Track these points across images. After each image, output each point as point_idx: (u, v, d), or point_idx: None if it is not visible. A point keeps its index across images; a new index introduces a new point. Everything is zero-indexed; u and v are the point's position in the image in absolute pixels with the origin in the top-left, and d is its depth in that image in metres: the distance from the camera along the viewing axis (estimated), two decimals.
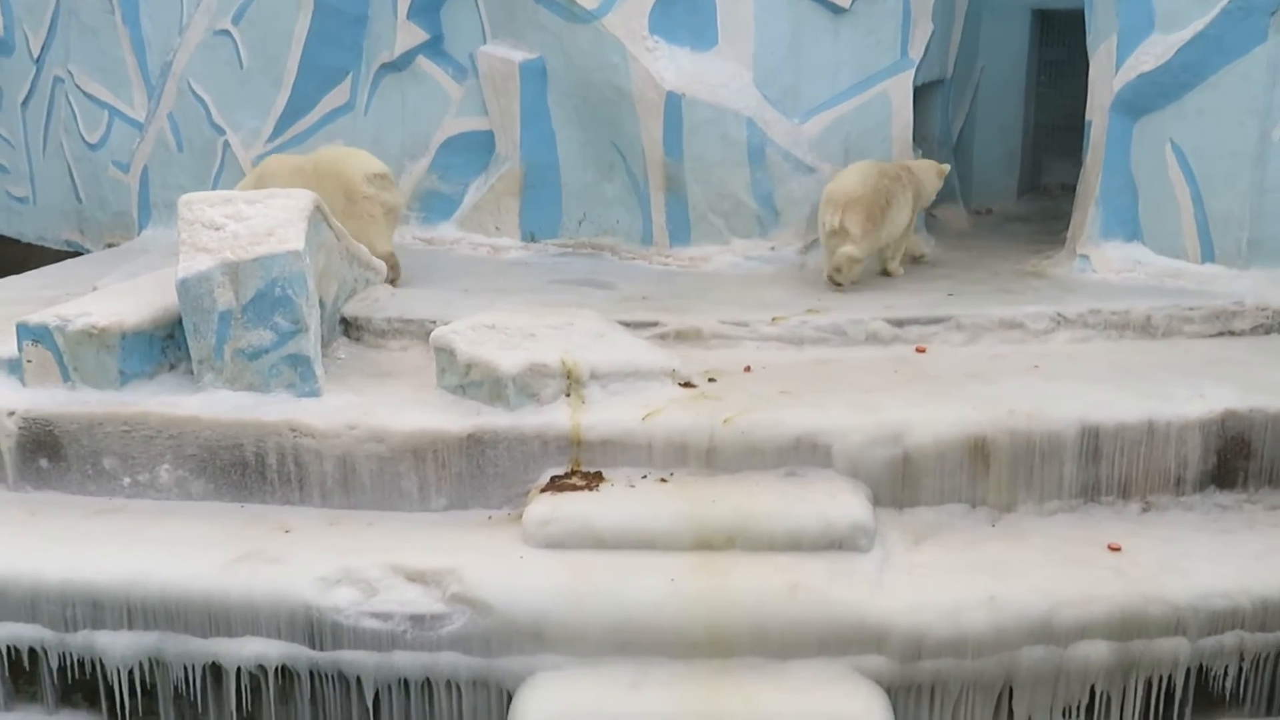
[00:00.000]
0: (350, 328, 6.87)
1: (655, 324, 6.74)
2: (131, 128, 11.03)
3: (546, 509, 5.26)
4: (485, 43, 9.23)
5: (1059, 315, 6.74)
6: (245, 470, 5.73)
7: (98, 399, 5.93)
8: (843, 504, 5.23)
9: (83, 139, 11.50)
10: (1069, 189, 8.70)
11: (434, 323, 6.54)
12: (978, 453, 5.47)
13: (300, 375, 5.93)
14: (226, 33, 10.20)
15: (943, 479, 5.48)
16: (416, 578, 5.07)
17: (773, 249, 8.40)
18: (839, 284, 7.55)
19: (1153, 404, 5.59)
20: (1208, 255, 7.37)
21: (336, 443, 5.64)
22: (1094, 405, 5.57)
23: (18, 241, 13.03)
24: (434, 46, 9.55)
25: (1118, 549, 5.17)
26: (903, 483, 5.47)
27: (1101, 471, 5.51)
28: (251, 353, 5.91)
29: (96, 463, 5.83)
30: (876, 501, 5.40)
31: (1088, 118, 8.04)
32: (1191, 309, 6.75)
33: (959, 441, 5.46)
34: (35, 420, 5.86)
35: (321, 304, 6.35)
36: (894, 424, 5.49)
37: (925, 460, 5.45)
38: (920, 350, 6.57)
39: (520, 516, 5.37)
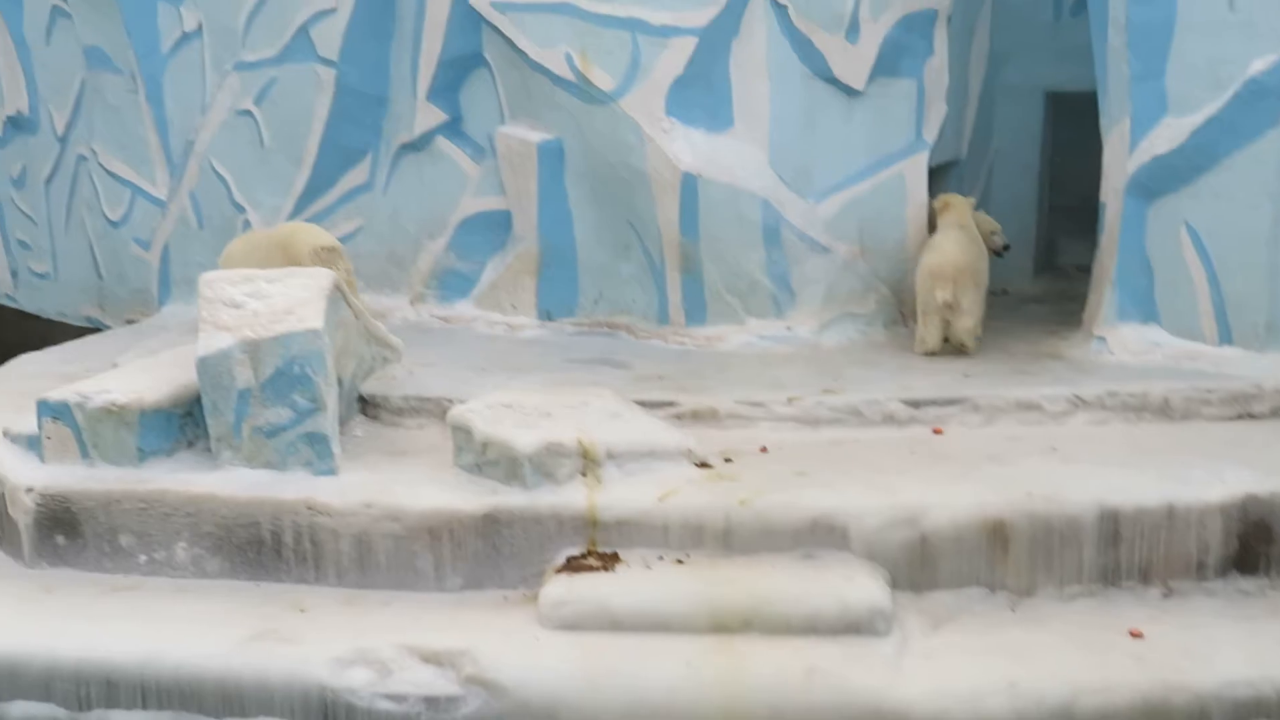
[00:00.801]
0: (368, 406, 6.89)
1: (671, 404, 6.74)
2: (153, 205, 11.16)
3: (562, 590, 5.24)
4: (503, 123, 9.34)
5: (1076, 397, 6.72)
6: (261, 548, 5.72)
7: (116, 476, 5.94)
8: (860, 587, 5.20)
9: (105, 216, 11.64)
10: (1084, 270, 8.72)
11: (451, 401, 6.56)
12: (996, 536, 5.43)
13: (317, 453, 5.95)
14: (248, 112, 10.36)
15: (961, 562, 5.44)
16: (431, 659, 5.04)
17: (788, 329, 8.42)
18: (933, 354, 7.85)
19: (1172, 487, 5.55)
20: (1225, 337, 7.36)
21: (352, 521, 5.64)
22: (1113, 488, 5.54)
23: (39, 317, 13.14)
24: (453, 127, 9.67)
25: (1139, 635, 5.11)
26: (920, 566, 5.43)
27: (1121, 556, 5.46)
28: (269, 430, 5.93)
29: (113, 540, 5.83)
30: (894, 585, 5.35)
31: (1102, 199, 8.08)
32: (1210, 391, 6.72)
33: (977, 524, 5.42)
34: (53, 497, 5.87)
35: (340, 382, 6.38)
36: (911, 506, 5.46)
37: (943, 543, 5.41)
38: (937, 431, 6.55)
39: (536, 597, 5.34)
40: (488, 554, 5.59)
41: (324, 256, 8.09)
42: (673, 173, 8.47)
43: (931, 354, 7.87)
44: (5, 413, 6.67)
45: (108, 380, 6.32)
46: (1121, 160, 7.69)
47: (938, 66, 8.87)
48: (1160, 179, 7.48)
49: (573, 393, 6.49)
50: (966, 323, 7.80)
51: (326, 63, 9.87)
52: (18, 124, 13.20)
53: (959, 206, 8.43)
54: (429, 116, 9.63)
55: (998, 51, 10.30)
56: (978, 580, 5.47)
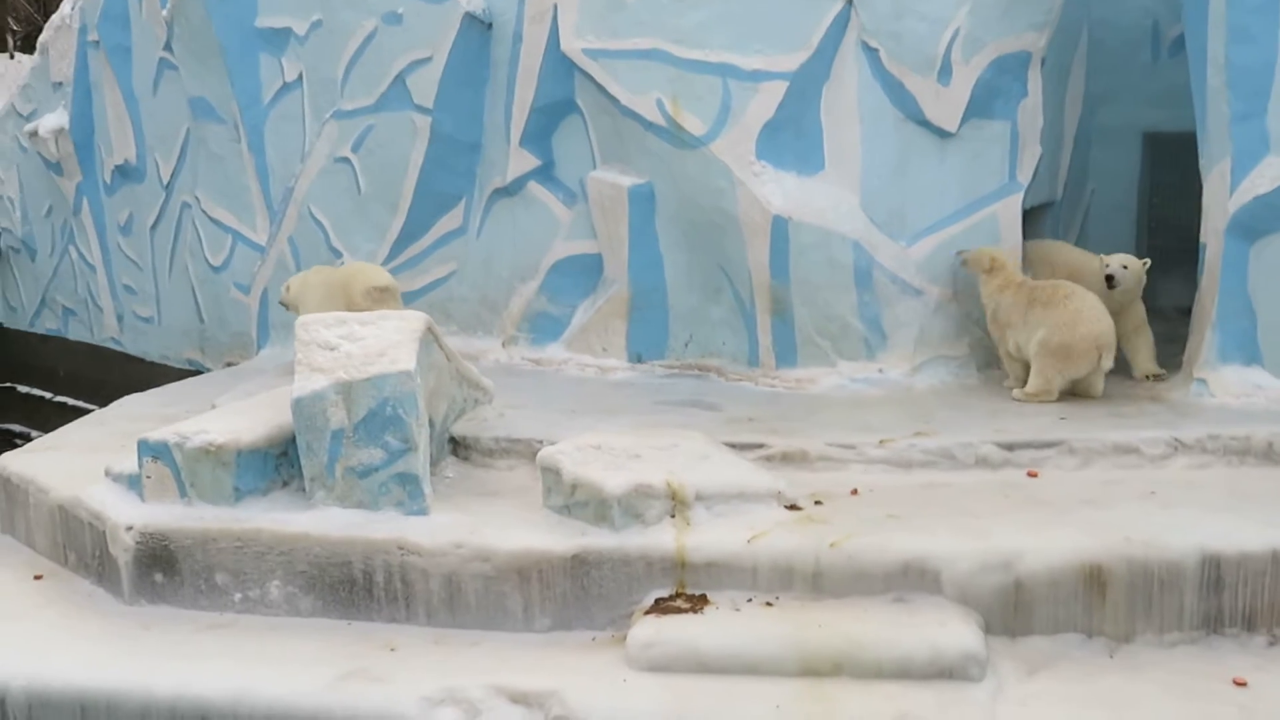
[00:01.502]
0: (459, 447, 6.95)
1: (761, 446, 6.71)
2: (253, 251, 11.42)
3: (651, 631, 5.21)
4: (595, 168, 9.44)
5: (1176, 440, 6.57)
6: (353, 588, 5.78)
7: (213, 515, 6.05)
8: (953, 632, 5.11)
9: (207, 262, 11.95)
10: (1184, 311, 8.55)
11: (540, 443, 6.58)
12: (1093, 581, 5.31)
13: (409, 494, 6.00)
14: (346, 160, 10.58)
15: (1057, 607, 5.32)
16: (519, 699, 5.04)
17: (880, 371, 8.36)
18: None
19: (1277, 533, 5.38)
20: None
21: (443, 561, 5.67)
22: (1215, 534, 5.39)
23: (142, 360, 13.51)
24: (545, 172, 9.79)
25: (1243, 684, 4.95)
26: (1015, 611, 5.32)
27: (1224, 602, 5.30)
28: (362, 471, 6.00)
29: (209, 578, 5.94)
30: (988, 630, 5.25)
31: (1202, 240, 7.93)
32: None
33: (1073, 569, 5.30)
34: (152, 535, 6.00)
35: (431, 423, 6.45)
36: (1005, 550, 5.36)
37: (1038, 587, 5.30)
38: (1032, 474, 6.43)
39: (624, 638, 5.32)
40: (576, 595, 5.59)
41: (376, 296, 8.48)
42: (763, 216, 8.47)
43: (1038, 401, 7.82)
44: (109, 453, 6.83)
45: (206, 421, 6.45)
46: (1222, 200, 7.55)
47: (1032, 108, 8.80)
48: (1262, 219, 7.33)
49: (662, 435, 6.48)
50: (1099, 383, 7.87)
51: (422, 110, 10.06)
52: (125, 173, 13.65)
53: (1004, 264, 8.26)
54: (522, 162, 9.76)
55: (1094, 93, 10.20)
56: (1074, 626, 5.34)
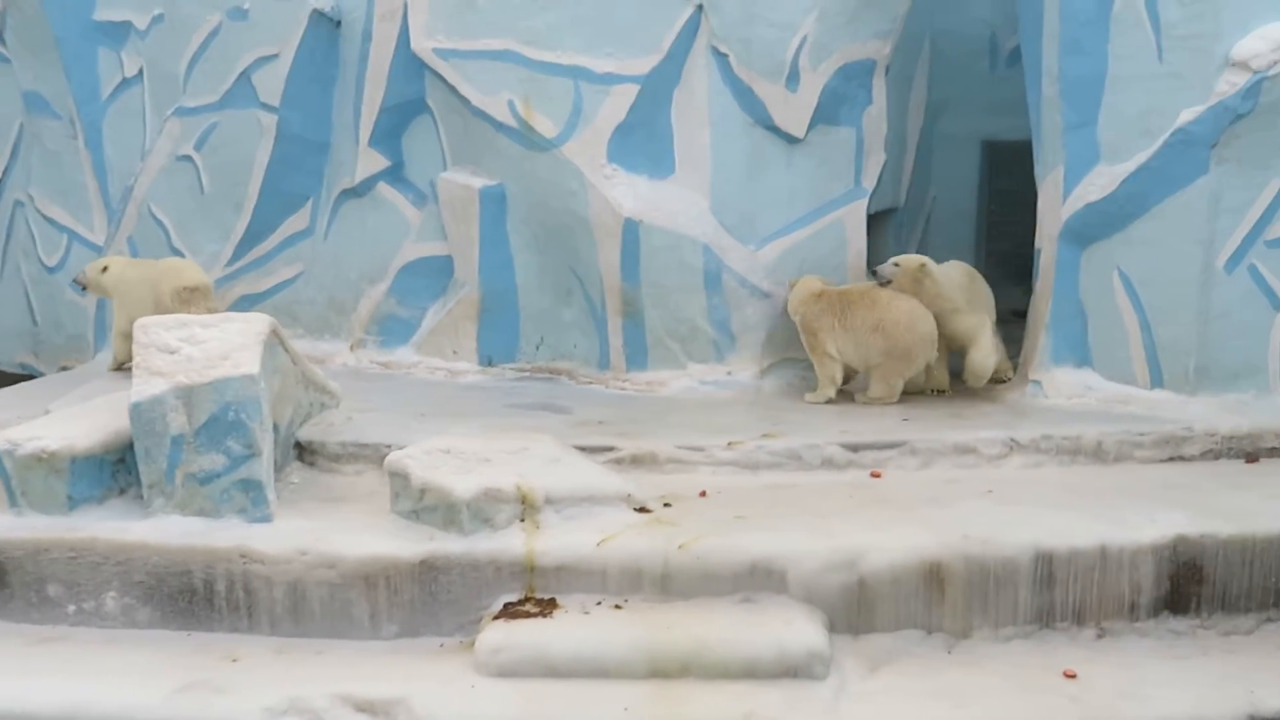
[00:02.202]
0: (305, 452, 6.83)
1: (611, 449, 6.74)
2: (91, 251, 11.05)
3: (499, 637, 5.19)
4: (445, 169, 9.36)
5: (1012, 440, 6.79)
6: (193, 597, 5.63)
7: (45, 524, 5.83)
8: (798, 631, 5.19)
9: (41, 262, 11.51)
10: (1020, 315, 8.84)
11: (389, 447, 6.51)
12: (933, 578, 5.45)
13: (252, 500, 5.87)
14: (189, 158, 10.31)
15: (898, 605, 5.45)
16: (365, 708, 4.96)
17: (729, 373, 8.47)
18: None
19: (1106, 529, 5.61)
20: (1157, 381, 7.48)
21: (287, 569, 5.56)
22: (1048, 531, 5.58)
23: None
24: (394, 173, 9.68)
25: (1074, 676, 5.14)
26: (858, 609, 5.43)
27: (1056, 597, 5.49)
28: (203, 477, 5.85)
29: (41, 590, 5.71)
30: (832, 628, 5.35)
31: (1037, 246, 8.21)
32: (1142, 434, 6.83)
33: (914, 567, 5.44)
34: None
35: (276, 428, 6.32)
36: (849, 549, 5.47)
37: (881, 586, 5.42)
38: (875, 475, 6.59)
39: (473, 644, 5.28)
40: (424, 601, 5.53)
41: (185, 296, 8.48)
42: (614, 219, 8.51)
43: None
44: None
45: (39, 427, 6.21)
46: (1055, 207, 7.82)
47: (876, 115, 9.00)
48: (1093, 226, 7.61)
49: (512, 438, 6.46)
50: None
51: (268, 108, 9.86)
52: None
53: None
54: (371, 162, 9.63)
55: (935, 101, 10.47)
56: (915, 623, 5.48)
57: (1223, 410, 7.14)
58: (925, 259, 8.22)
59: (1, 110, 12.07)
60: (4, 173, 12.17)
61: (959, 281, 8.26)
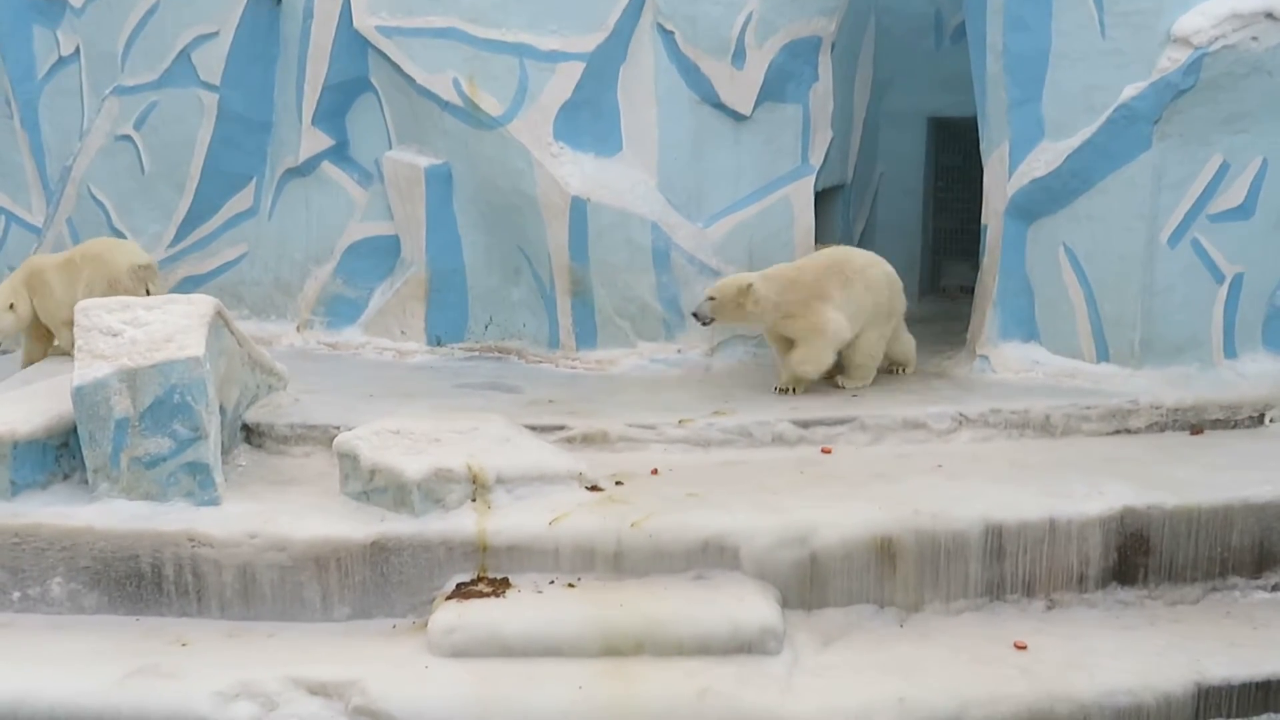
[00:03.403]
0: (252, 434, 6.75)
1: (562, 428, 6.72)
2: (29, 233, 10.89)
3: (452, 617, 5.17)
4: (390, 148, 9.27)
5: (961, 415, 6.85)
6: (141, 582, 5.56)
7: None
8: (751, 607, 5.21)
9: None
10: (968, 291, 8.90)
11: (337, 428, 6.45)
12: (884, 553, 5.49)
13: (199, 483, 5.81)
14: (128, 138, 10.15)
15: (850, 580, 5.49)
16: (318, 690, 4.94)
17: (679, 351, 8.47)
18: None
19: (1054, 502, 5.68)
20: (1103, 355, 7.55)
21: (236, 552, 5.51)
22: (997, 504, 5.64)
23: None
24: (339, 152, 9.57)
25: (1024, 647, 5.20)
26: (810, 584, 5.47)
27: (1006, 570, 5.56)
28: (149, 461, 5.78)
29: None
30: (785, 603, 5.38)
31: (984, 222, 8.26)
32: (1088, 408, 6.90)
33: (865, 542, 5.48)
34: None
35: (222, 410, 6.25)
36: (801, 525, 5.50)
37: (832, 561, 5.46)
38: (826, 451, 6.62)
39: (425, 625, 5.27)
40: (376, 583, 5.50)
41: (143, 274, 8.29)
42: (562, 197, 8.47)
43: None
44: None
45: None
46: (1001, 184, 7.87)
47: (822, 92, 9.01)
48: (1038, 202, 7.67)
49: (462, 418, 6.43)
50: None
51: (208, 87, 9.72)
52: None
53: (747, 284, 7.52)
54: (315, 141, 9.51)
55: (881, 78, 10.50)
56: (867, 597, 5.53)
57: (1167, 383, 7.22)
58: (748, 281, 7.46)
59: None
60: None
61: (874, 281, 7.73)
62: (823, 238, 9.25)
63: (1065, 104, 7.52)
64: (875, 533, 5.49)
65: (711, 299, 7.44)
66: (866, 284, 7.63)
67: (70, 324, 8.22)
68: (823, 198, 9.31)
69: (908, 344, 8.03)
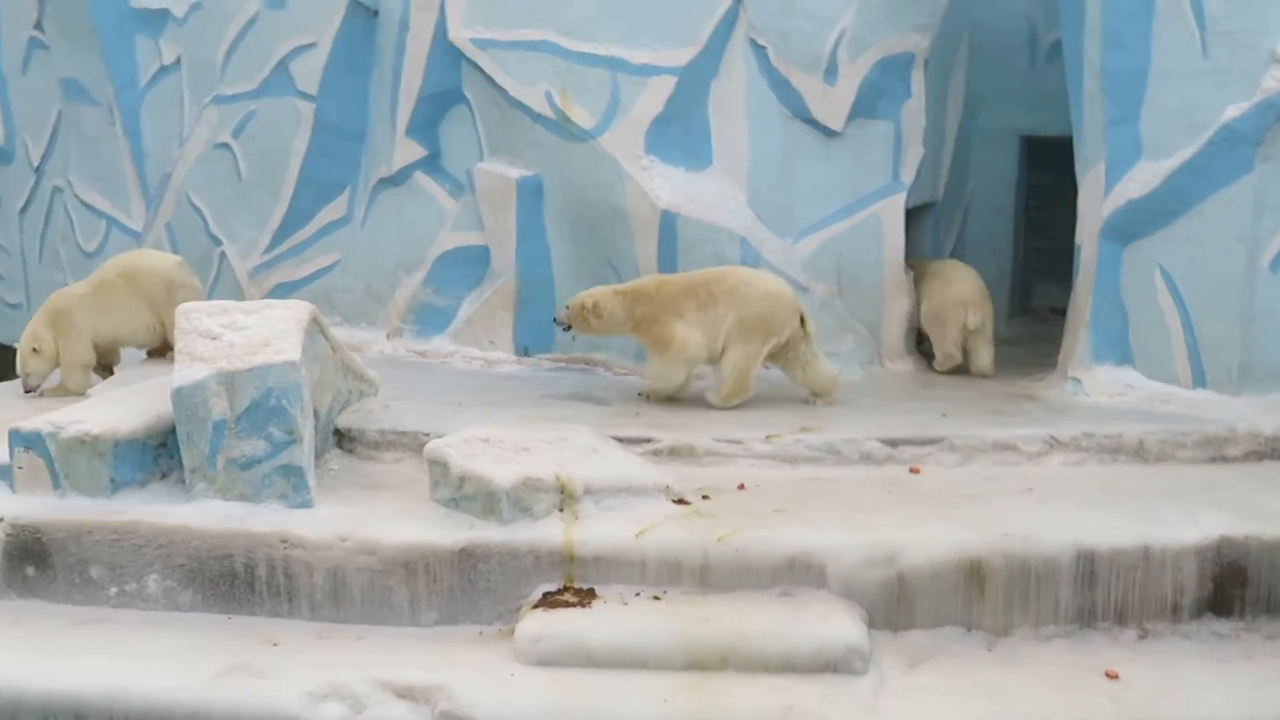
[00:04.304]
0: (343, 439, 6.84)
1: (649, 440, 6.72)
2: (129, 237, 11.12)
3: (538, 626, 5.20)
4: (482, 159, 9.38)
5: (1052, 438, 6.74)
6: (234, 581, 5.65)
7: (88, 507, 5.86)
8: (837, 625, 5.18)
9: (79, 248, 11.60)
10: (1058, 312, 8.80)
11: (427, 435, 6.52)
12: (973, 575, 5.43)
13: (293, 486, 5.89)
14: (226, 146, 10.36)
15: (938, 601, 5.43)
16: (405, 694, 4.98)
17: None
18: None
19: (1148, 529, 5.56)
20: (1199, 381, 7.42)
21: (327, 555, 5.58)
22: (1089, 529, 5.55)
23: (11, 348, 13.03)
24: (431, 162, 9.69)
25: (1115, 676, 5.11)
26: (898, 604, 5.41)
27: (1098, 597, 5.46)
28: (244, 463, 5.88)
29: (84, 572, 5.75)
30: (871, 623, 5.33)
31: (1077, 242, 8.16)
32: (1184, 434, 6.76)
33: (954, 564, 5.42)
34: (24, 528, 5.79)
35: (316, 415, 6.35)
36: (888, 545, 5.45)
37: (920, 582, 5.40)
38: (914, 471, 6.56)
39: (511, 633, 5.29)
40: (463, 589, 5.54)
41: (187, 270, 8.69)
42: (651, 210, 8.50)
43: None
44: None
45: (81, 410, 6.25)
46: (1096, 204, 7.77)
47: (915, 109, 8.97)
48: (1135, 223, 7.56)
49: (550, 428, 6.47)
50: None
51: (305, 97, 9.90)
52: None
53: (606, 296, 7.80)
54: (408, 152, 9.64)
55: (974, 95, 10.42)
56: (955, 620, 5.45)
57: (1267, 411, 7.05)
58: (594, 299, 7.70)
59: (40, 97, 12.17)
60: (43, 158, 12.27)
61: (746, 300, 7.58)
62: (912, 255, 9.20)
63: (1164, 124, 7.41)
64: (964, 554, 5.42)
65: (568, 308, 7.80)
66: (735, 303, 7.53)
67: (85, 366, 8.40)
68: (913, 215, 9.26)
69: (823, 374, 7.77)
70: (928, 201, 9.72)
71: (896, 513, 5.82)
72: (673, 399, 7.74)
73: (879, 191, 8.85)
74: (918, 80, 8.95)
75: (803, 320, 7.63)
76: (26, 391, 8.31)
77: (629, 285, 7.88)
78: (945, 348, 8.79)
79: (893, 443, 6.70)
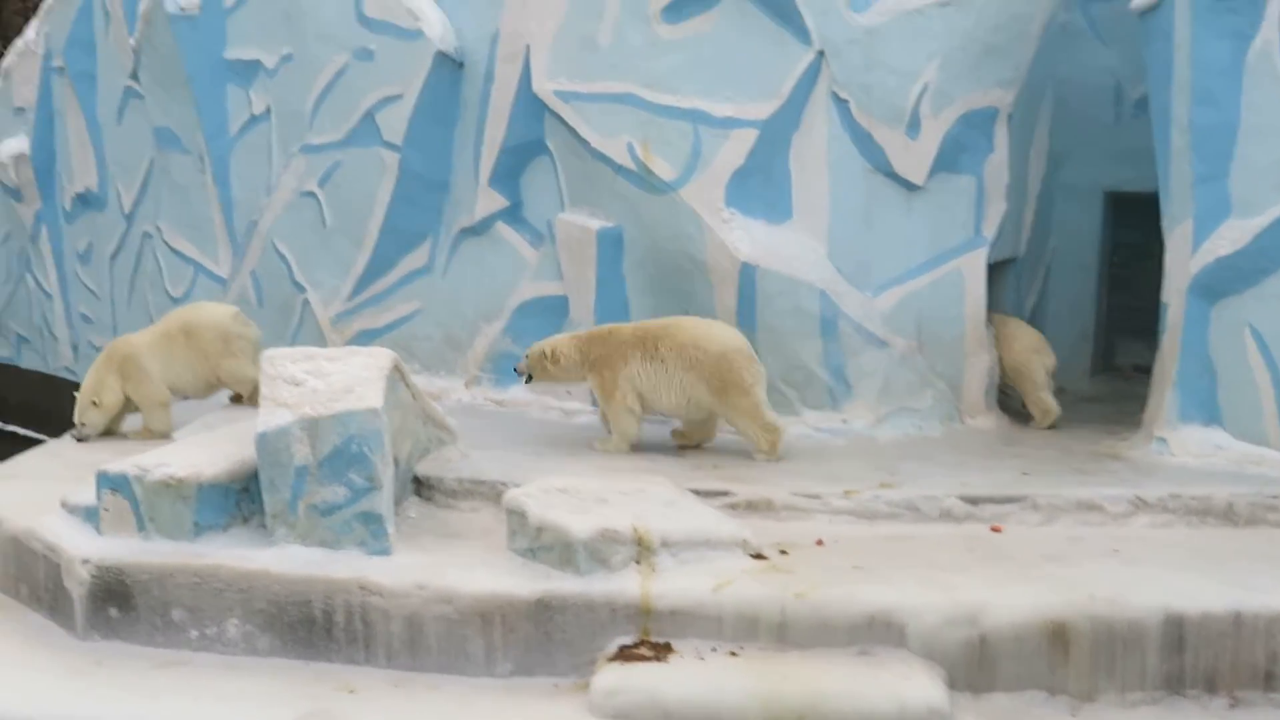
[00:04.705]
0: (422, 487, 6.89)
1: (726, 493, 6.69)
2: (215, 283, 11.33)
3: (614, 679, 5.17)
4: (563, 210, 9.44)
5: (1138, 498, 6.61)
6: (312, 627, 5.69)
7: (171, 549, 5.95)
8: (918, 686, 5.09)
9: (167, 293, 11.83)
10: (1142, 370, 8.65)
11: (504, 484, 6.54)
12: (1057, 638, 5.31)
13: (372, 533, 5.93)
14: (312, 194, 10.53)
15: (1020, 664, 5.31)
16: None
17: (844, 421, 8.38)
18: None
19: (1239, 594, 5.41)
20: None
21: (405, 602, 5.60)
22: (1178, 593, 5.41)
23: None
24: (513, 213, 9.77)
25: None
26: (979, 666, 5.31)
27: (1186, 663, 5.31)
28: (325, 508, 5.92)
29: (165, 614, 5.82)
30: (951, 685, 5.24)
31: (1164, 300, 8.03)
32: (1275, 497, 6.59)
33: (1038, 625, 5.31)
34: (108, 569, 5.88)
35: (395, 462, 6.39)
36: (970, 604, 5.35)
37: (1003, 643, 5.30)
38: (996, 529, 6.45)
39: (586, 686, 5.27)
40: (539, 640, 5.53)
41: (242, 320, 8.85)
42: (731, 263, 8.50)
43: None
44: (64, 483, 6.68)
45: (166, 454, 6.35)
46: (1184, 261, 7.65)
47: (998, 163, 8.90)
48: (1224, 280, 7.44)
49: (628, 480, 6.46)
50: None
51: (391, 147, 10.04)
52: (86, 201, 13.53)
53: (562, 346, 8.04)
54: (490, 202, 9.74)
55: (1058, 151, 10.32)
56: (1038, 683, 5.34)
57: None
58: (552, 347, 7.94)
59: (133, 144, 12.48)
60: (134, 205, 12.56)
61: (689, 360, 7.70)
62: (993, 310, 9.11)
63: (1254, 180, 7.30)
64: (1048, 616, 5.31)
65: (527, 357, 8.03)
66: (688, 363, 7.62)
67: (165, 405, 8.52)
68: (994, 271, 9.17)
69: (710, 430, 8.02)
70: (1009, 257, 9.63)
71: (978, 572, 5.72)
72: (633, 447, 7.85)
73: (961, 246, 8.78)
74: (1001, 134, 8.89)
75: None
76: (79, 440, 8.41)
77: (585, 332, 8.16)
78: (1038, 397, 8.90)
79: (974, 500, 6.60)
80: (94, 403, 8.41)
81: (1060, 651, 5.32)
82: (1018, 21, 8.72)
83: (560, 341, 8.00)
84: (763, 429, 7.60)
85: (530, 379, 8.09)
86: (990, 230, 8.89)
